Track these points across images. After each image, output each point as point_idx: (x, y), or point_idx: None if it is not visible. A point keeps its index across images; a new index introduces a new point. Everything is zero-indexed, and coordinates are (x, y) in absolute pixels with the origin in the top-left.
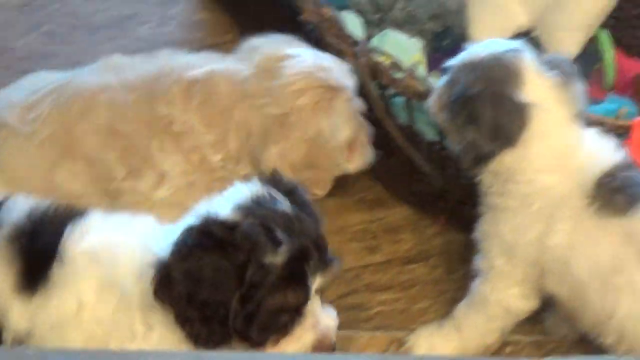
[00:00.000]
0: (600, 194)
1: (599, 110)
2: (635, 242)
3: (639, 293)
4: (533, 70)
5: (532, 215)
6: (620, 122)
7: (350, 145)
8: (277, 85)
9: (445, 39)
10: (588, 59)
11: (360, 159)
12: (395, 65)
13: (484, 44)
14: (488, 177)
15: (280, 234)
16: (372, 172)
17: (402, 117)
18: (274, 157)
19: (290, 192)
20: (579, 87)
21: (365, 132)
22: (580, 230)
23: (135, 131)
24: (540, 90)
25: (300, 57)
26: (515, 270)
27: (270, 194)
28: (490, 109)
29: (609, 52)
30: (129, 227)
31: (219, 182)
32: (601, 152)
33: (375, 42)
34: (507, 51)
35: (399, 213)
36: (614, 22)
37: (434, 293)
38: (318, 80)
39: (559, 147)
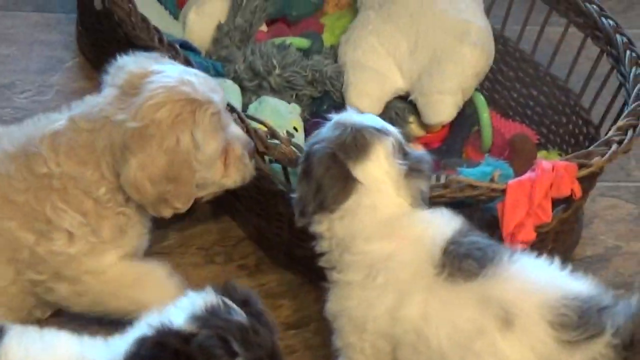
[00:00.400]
0: (448, 261)
1: (474, 173)
2: (491, 305)
3: (501, 355)
4: (383, 153)
5: (379, 288)
6: (494, 185)
7: (225, 160)
8: (137, 101)
9: (323, 104)
10: (467, 121)
11: (237, 173)
12: (272, 132)
13: (365, 115)
14: (323, 244)
15: (236, 346)
16: (253, 238)
17: (281, 184)
18: (134, 170)
19: (245, 301)
20: (421, 186)
21: (243, 146)
22: (434, 300)
23: (27, 198)
24: (378, 171)
25: (164, 72)
26: (367, 345)
27: (225, 304)
28: (321, 168)
29: (485, 114)
30: (53, 344)
31: (124, 218)
32: (438, 221)
33: (252, 109)
34: (372, 127)
35: (279, 279)
36: (491, 85)
37: (315, 359)
38: (180, 94)
39: (386, 219)
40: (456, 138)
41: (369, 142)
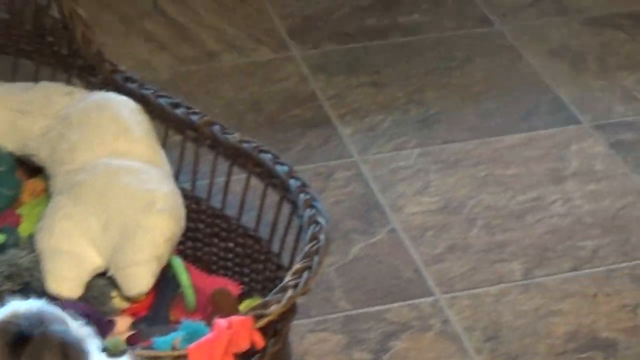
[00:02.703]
0: None
1: (167, 340)
2: None
3: None
4: None
5: None
6: (177, 353)
7: None
8: None
9: (27, 296)
10: (169, 285)
11: None
12: None
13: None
14: None
15: None
16: None
17: None
18: None
19: None
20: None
21: None
22: None
23: None
24: None
25: None
26: None
27: None
28: None
29: (184, 276)
30: None
31: None
32: None
33: None
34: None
35: None
36: (193, 244)
37: None
38: None
39: None
40: (162, 303)
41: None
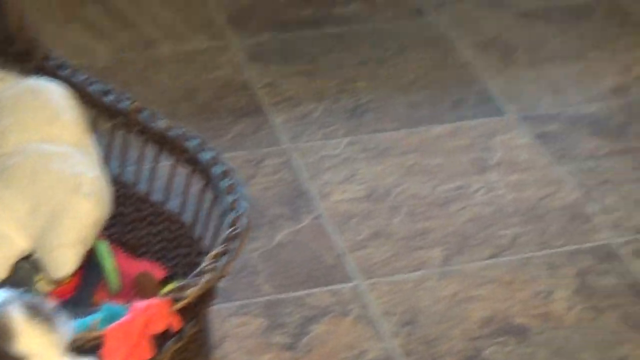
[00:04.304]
0: None
1: (84, 322)
2: None
3: None
4: (23, 321)
5: None
6: (93, 334)
7: None
8: None
9: None
10: (95, 268)
11: None
12: None
13: None
14: None
15: None
16: None
17: None
18: None
19: None
20: (61, 323)
21: None
22: None
23: None
24: (33, 339)
25: None
26: None
27: None
28: None
29: (108, 261)
30: None
31: None
32: None
33: None
34: None
35: None
36: (120, 229)
37: None
38: None
39: None
40: (86, 287)
41: (3, 319)
